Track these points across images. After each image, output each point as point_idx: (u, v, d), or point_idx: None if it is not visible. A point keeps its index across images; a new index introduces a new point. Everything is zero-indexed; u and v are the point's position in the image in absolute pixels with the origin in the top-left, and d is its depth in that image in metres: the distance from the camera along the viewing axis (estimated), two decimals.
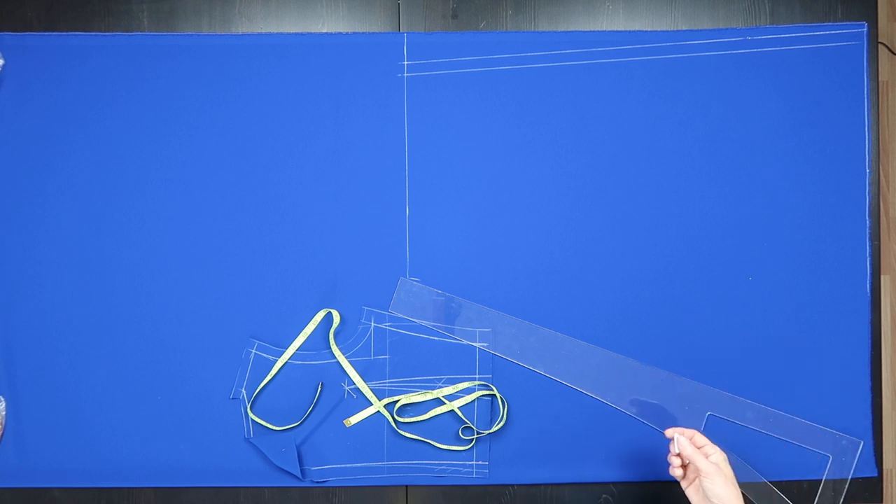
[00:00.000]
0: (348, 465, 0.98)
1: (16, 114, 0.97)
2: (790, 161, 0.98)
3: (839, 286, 0.98)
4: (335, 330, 0.98)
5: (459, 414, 0.97)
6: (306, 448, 0.98)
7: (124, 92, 0.98)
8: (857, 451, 0.98)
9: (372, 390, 0.97)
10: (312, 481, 0.98)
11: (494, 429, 0.98)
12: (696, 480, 0.85)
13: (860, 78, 0.98)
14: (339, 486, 0.99)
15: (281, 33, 0.99)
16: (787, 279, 0.98)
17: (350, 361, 0.98)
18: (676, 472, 0.86)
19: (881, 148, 1.56)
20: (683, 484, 0.86)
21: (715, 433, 0.97)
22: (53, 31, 0.98)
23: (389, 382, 0.98)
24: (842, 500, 0.98)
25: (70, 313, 0.97)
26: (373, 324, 0.98)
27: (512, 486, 0.99)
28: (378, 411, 0.98)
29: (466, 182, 0.98)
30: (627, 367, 0.98)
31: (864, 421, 0.98)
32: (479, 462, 0.98)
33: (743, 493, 0.97)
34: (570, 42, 0.98)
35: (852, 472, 0.98)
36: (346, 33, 0.99)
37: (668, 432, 0.87)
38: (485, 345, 0.98)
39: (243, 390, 0.98)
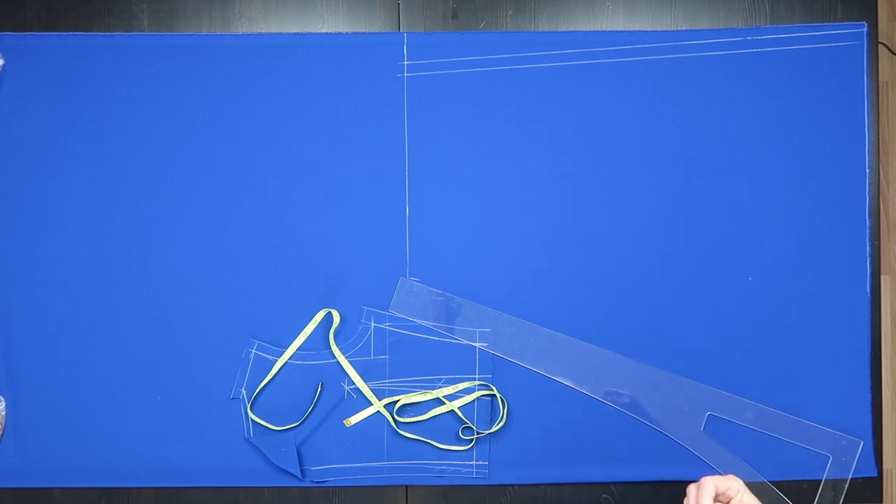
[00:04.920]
0: (348, 465, 0.98)
1: (16, 114, 0.97)
2: (790, 161, 0.98)
3: (839, 286, 0.98)
4: (335, 330, 0.98)
5: (459, 414, 0.97)
6: (306, 448, 0.98)
7: (124, 92, 0.98)
8: (857, 451, 0.98)
9: (372, 390, 0.97)
10: (312, 481, 0.98)
11: (494, 429, 0.98)
12: None
13: (860, 78, 0.98)
14: (339, 486, 0.99)
15: (281, 33, 0.99)
16: (787, 279, 0.98)
17: (350, 361, 0.98)
18: None
19: (881, 148, 1.56)
20: None
21: (715, 433, 0.97)
22: (53, 31, 0.98)
23: (389, 382, 0.98)
24: (842, 500, 0.98)
25: (70, 313, 0.97)
26: (373, 324, 0.98)
27: (512, 486, 0.99)
28: (378, 411, 0.98)
29: (466, 182, 0.98)
30: (627, 367, 0.98)
31: (864, 421, 0.98)
32: (479, 462, 0.98)
33: None
34: (570, 42, 0.98)
35: (852, 472, 0.98)
36: (346, 33, 0.99)
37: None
38: (485, 345, 0.98)
39: (243, 390, 0.98)
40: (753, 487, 0.97)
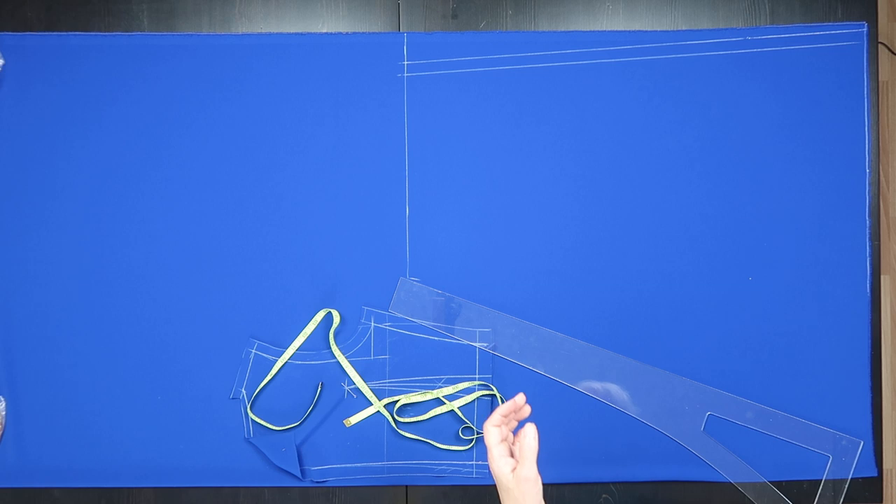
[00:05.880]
0: (348, 465, 0.98)
1: (16, 114, 0.97)
2: (790, 161, 0.98)
3: (839, 286, 0.98)
4: (335, 330, 0.98)
5: (459, 414, 0.97)
6: (306, 448, 0.98)
7: (124, 92, 0.98)
8: (857, 451, 0.98)
9: (372, 390, 0.97)
10: (312, 481, 0.98)
11: None
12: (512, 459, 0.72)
13: (860, 78, 0.98)
14: (339, 486, 0.99)
15: (281, 33, 0.99)
16: (787, 279, 0.98)
17: (350, 361, 0.98)
18: (508, 460, 0.71)
19: (881, 148, 1.56)
20: (504, 462, 0.71)
21: (715, 433, 0.97)
22: (53, 31, 0.98)
23: (389, 382, 0.98)
24: (842, 500, 0.98)
25: (70, 313, 0.97)
26: (373, 324, 0.98)
27: None
28: (378, 411, 0.98)
29: (466, 182, 0.98)
30: (627, 367, 0.98)
31: (864, 421, 0.98)
32: (479, 462, 0.98)
33: (743, 493, 0.97)
34: (570, 42, 0.98)
35: (852, 472, 0.98)
36: (346, 33, 0.99)
37: (530, 428, 0.71)
38: (485, 345, 0.98)
39: (243, 390, 0.98)
40: (753, 487, 0.97)
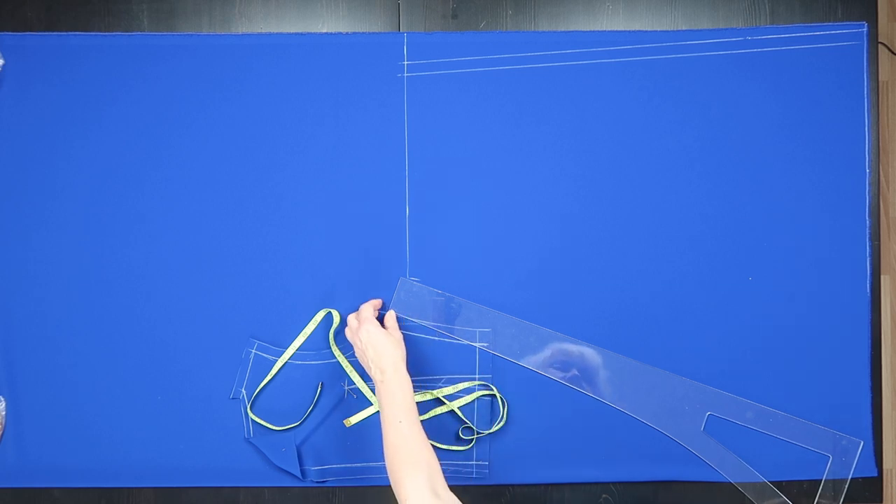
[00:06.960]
0: (348, 465, 0.98)
1: (16, 114, 0.97)
2: (790, 161, 0.98)
3: (839, 286, 0.98)
4: (335, 330, 0.98)
5: (459, 414, 0.97)
6: (306, 448, 0.98)
7: (124, 92, 0.98)
8: (857, 451, 0.98)
9: (372, 390, 0.97)
10: (312, 481, 0.98)
11: (494, 429, 0.98)
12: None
13: (860, 78, 0.98)
14: (339, 486, 0.99)
15: (281, 33, 0.99)
16: (787, 279, 0.98)
17: (350, 361, 0.98)
18: (381, 328, 0.91)
19: (881, 148, 1.56)
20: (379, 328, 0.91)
21: (715, 433, 0.97)
22: (53, 31, 0.98)
23: None
24: (842, 500, 0.98)
25: (70, 313, 0.97)
26: None
27: (512, 486, 0.99)
28: (378, 411, 0.97)
29: (466, 182, 0.98)
30: (627, 367, 0.98)
31: (864, 421, 0.98)
32: (479, 462, 0.98)
33: (743, 493, 0.97)
34: (570, 42, 0.98)
35: (852, 472, 0.98)
36: (346, 33, 0.99)
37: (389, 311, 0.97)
38: (485, 345, 0.98)
39: (243, 390, 0.98)
40: (753, 487, 0.97)
